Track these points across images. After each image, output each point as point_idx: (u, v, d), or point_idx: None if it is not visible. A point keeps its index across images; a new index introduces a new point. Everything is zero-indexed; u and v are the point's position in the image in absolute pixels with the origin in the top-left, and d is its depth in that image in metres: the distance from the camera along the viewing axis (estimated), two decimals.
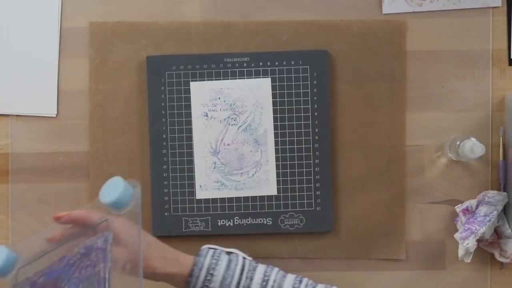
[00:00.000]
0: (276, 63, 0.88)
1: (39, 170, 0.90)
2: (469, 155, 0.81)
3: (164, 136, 0.88)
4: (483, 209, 0.85)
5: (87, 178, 0.90)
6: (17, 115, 0.90)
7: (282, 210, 0.88)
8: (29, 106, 0.90)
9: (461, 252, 0.86)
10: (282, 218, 0.88)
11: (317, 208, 0.88)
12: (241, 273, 0.73)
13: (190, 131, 0.88)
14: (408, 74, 0.89)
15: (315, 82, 0.88)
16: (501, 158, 0.88)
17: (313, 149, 0.88)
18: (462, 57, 0.89)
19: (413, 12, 0.89)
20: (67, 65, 0.90)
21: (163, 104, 0.88)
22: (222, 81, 0.88)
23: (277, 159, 0.88)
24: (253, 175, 0.88)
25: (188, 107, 0.88)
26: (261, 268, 0.75)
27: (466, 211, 0.87)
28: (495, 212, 0.84)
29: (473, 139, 0.83)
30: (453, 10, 0.89)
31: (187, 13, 0.90)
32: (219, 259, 0.74)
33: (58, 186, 0.90)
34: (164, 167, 0.88)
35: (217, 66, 0.88)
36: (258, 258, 0.89)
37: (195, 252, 0.76)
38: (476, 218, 0.84)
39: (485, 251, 0.89)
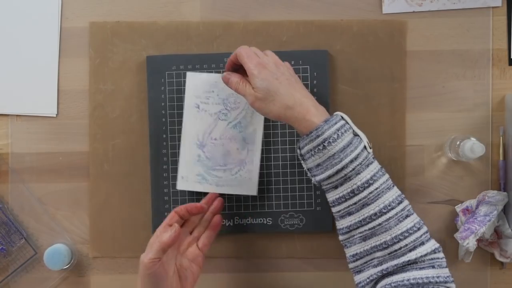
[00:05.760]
0: None
1: (39, 170, 0.90)
2: (469, 155, 0.81)
3: (164, 136, 0.88)
4: (483, 209, 0.85)
5: (87, 178, 0.90)
6: (17, 115, 0.90)
7: (282, 210, 0.88)
8: (29, 106, 0.90)
9: (461, 252, 0.86)
10: (282, 218, 0.88)
11: (317, 208, 0.88)
12: (351, 162, 0.70)
13: None
14: (408, 74, 0.89)
15: (315, 82, 0.88)
16: (501, 158, 0.88)
17: None
18: (462, 57, 0.89)
19: (413, 12, 0.89)
20: (67, 65, 0.90)
21: (163, 104, 0.88)
22: (218, 74, 0.87)
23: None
24: (236, 173, 0.87)
25: None
26: (374, 167, 0.71)
27: (466, 211, 0.87)
28: (495, 212, 0.84)
29: (473, 139, 0.83)
30: (453, 10, 0.89)
31: (187, 13, 0.90)
32: (340, 136, 0.70)
33: (58, 186, 0.90)
34: (164, 167, 0.88)
35: (217, 66, 0.88)
36: (258, 258, 0.89)
37: None
38: (476, 218, 0.84)
39: (485, 251, 0.89)
